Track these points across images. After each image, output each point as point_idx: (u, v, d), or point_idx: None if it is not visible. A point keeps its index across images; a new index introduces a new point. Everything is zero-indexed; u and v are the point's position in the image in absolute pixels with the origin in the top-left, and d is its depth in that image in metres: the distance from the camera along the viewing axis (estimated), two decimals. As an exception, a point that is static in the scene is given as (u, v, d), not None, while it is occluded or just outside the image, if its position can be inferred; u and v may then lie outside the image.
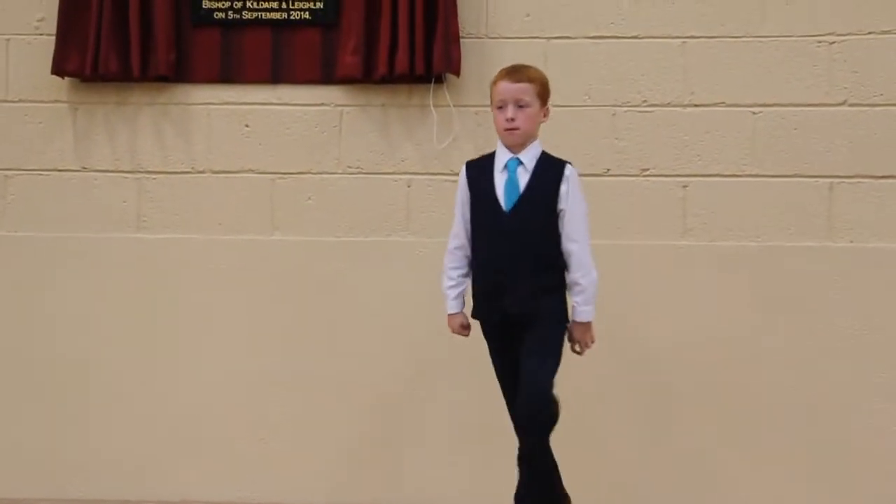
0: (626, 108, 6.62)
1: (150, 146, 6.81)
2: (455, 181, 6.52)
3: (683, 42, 6.59)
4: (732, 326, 6.53)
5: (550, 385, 5.12)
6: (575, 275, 5.20)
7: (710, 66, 6.57)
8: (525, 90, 5.22)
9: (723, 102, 6.56)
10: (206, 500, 6.54)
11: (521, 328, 5.19)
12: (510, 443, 5.45)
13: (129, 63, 6.71)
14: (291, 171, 6.74)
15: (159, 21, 6.71)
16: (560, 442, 5.41)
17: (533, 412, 5.09)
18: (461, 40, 6.66)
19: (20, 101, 6.83)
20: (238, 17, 6.78)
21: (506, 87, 5.23)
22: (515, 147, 5.25)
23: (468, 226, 5.33)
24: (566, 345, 5.36)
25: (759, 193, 6.55)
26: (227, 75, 6.76)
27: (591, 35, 6.66)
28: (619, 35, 6.65)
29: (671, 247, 6.58)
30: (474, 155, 6.34)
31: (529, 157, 5.23)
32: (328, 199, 6.72)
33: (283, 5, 6.76)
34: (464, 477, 6.50)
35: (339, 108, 6.74)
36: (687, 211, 6.53)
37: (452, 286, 5.39)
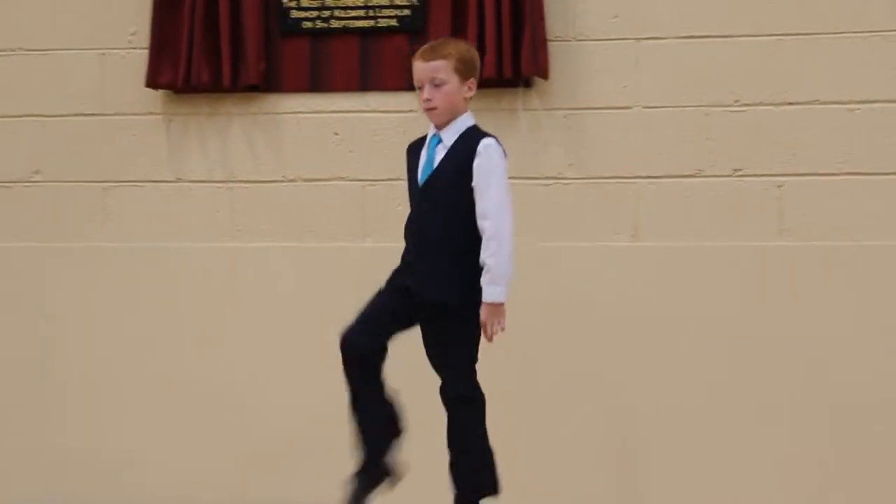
0: (718, 108, 5.76)
1: (242, 155, 6.10)
2: (545, 185, 5.75)
3: (777, 39, 5.70)
4: (832, 327, 5.70)
5: (469, 381, 4.55)
6: (484, 254, 4.43)
7: (804, 64, 5.73)
8: (438, 68, 4.52)
9: (818, 100, 5.67)
10: None
11: (425, 310, 4.53)
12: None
13: (221, 74, 6.03)
14: (381, 177, 5.96)
15: (249, 32, 5.99)
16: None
17: (454, 404, 4.57)
18: (549, 43, 5.87)
19: (115, 114, 6.17)
20: (326, 25, 6.00)
21: (419, 66, 4.56)
22: (440, 125, 4.57)
23: None
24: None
25: (858, 192, 5.71)
26: (317, 84, 6.00)
27: (682, 35, 5.81)
28: (711, 34, 5.75)
29: (767, 248, 5.73)
30: (564, 159, 5.82)
31: (451, 133, 4.54)
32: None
33: (371, 13, 6.02)
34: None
35: None
36: (783, 211, 5.55)
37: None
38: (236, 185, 6.09)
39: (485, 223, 4.43)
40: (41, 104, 6.17)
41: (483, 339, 4.52)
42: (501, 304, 4.43)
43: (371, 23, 6.04)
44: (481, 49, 5.83)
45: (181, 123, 6.13)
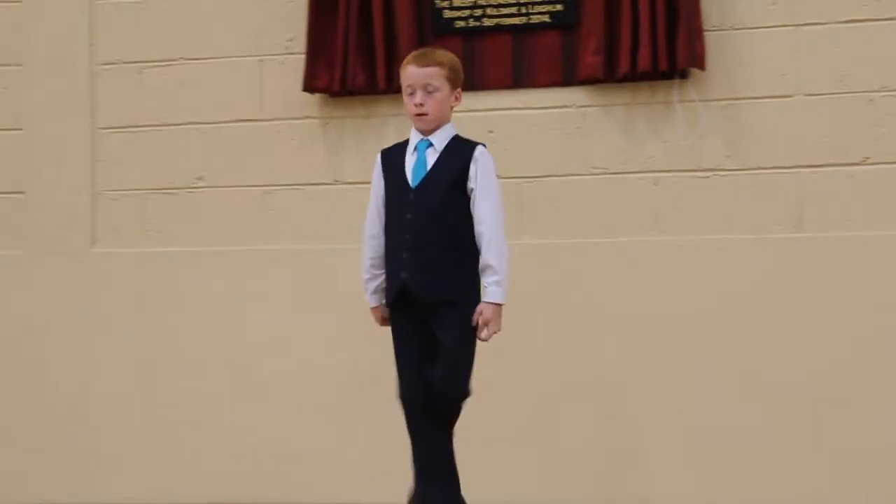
0: (884, 93, 5.01)
1: None
2: (704, 177, 5.12)
3: (948, 17, 4.82)
4: None
5: (465, 381, 4.12)
6: (486, 256, 4.11)
7: (974, 44, 4.76)
8: (432, 74, 4.20)
9: None
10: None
11: (425, 311, 4.14)
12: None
13: (375, 76, 5.51)
14: (536, 174, 5.38)
15: (402, 33, 5.43)
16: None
17: (440, 402, 4.11)
18: (705, 33, 5.18)
19: (274, 119, 5.65)
20: (478, 24, 5.40)
21: (413, 71, 4.23)
22: (427, 132, 4.24)
23: (382, 215, 4.28)
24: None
25: None
26: (470, 82, 5.38)
27: (844, 19, 5.08)
28: (875, 17, 5.01)
29: (940, 236, 4.86)
30: (723, 151, 5.17)
31: (440, 138, 4.23)
32: (573, 200, 5.23)
33: (523, 10, 5.43)
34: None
35: (582, 110, 5.28)
36: (958, 198, 4.76)
37: (368, 279, 4.33)
38: (393, 185, 5.46)
39: (482, 227, 4.13)
40: (202, 112, 5.68)
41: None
42: (502, 305, 4.12)
43: (523, 19, 5.41)
44: (635, 42, 5.20)
45: (338, 126, 5.56)
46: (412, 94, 4.22)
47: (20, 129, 5.76)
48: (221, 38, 5.66)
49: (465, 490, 4.21)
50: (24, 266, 5.74)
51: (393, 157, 4.29)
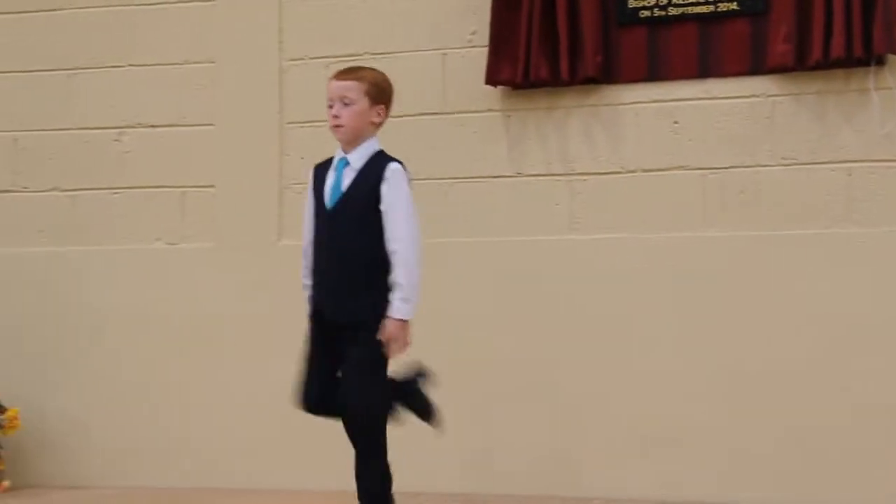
0: None
1: (581, 148, 5.43)
2: None
3: None
4: None
5: (371, 396, 4.03)
6: (395, 274, 4.01)
7: None
8: (350, 87, 4.12)
9: None
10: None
11: (341, 330, 4.08)
12: None
13: (559, 68, 5.37)
14: (723, 165, 5.16)
15: (587, 24, 5.30)
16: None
17: (354, 426, 4.08)
18: None
19: (457, 112, 5.56)
20: (664, 13, 5.24)
21: (332, 84, 4.16)
22: (346, 146, 4.14)
23: (311, 229, 4.22)
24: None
25: None
26: (655, 73, 5.23)
27: None
28: None
29: None
30: None
31: (358, 156, 4.12)
32: (762, 192, 5.02)
33: None
34: None
35: (771, 99, 5.06)
36: None
37: (305, 287, 4.24)
38: (575, 177, 5.39)
39: (394, 245, 4.03)
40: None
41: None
42: (407, 322, 4.01)
43: (710, 8, 5.21)
44: (828, 28, 4.93)
45: (520, 119, 5.46)
46: (331, 106, 4.14)
47: (212, 125, 5.83)
48: (405, 33, 5.61)
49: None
50: (215, 258, 5.79)
51: (319, 174, 4.20)
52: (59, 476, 5.75)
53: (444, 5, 5.56)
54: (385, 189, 4.07)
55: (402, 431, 4.19)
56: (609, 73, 5.32)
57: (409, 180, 4.13)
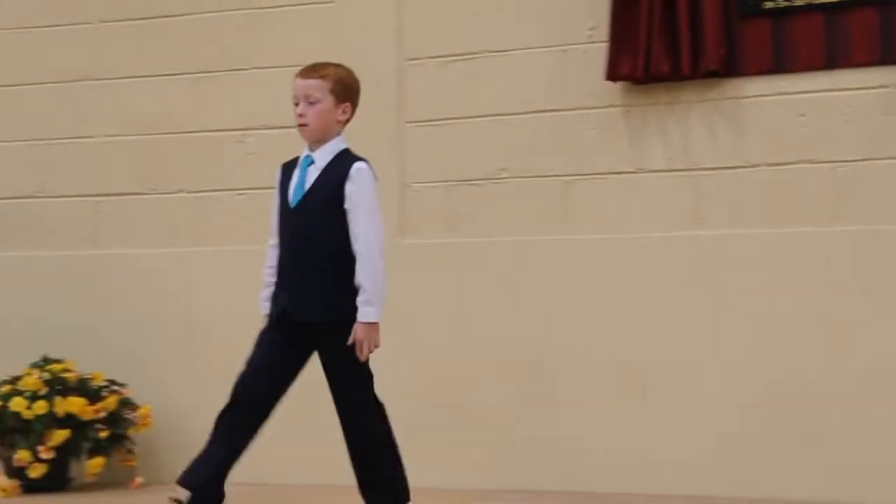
0: None
1: (703, 143, 5.31)
2: None
3: None
4: None
5: (367, 409, 4.09)
6: (358, 276, 3.99)
7: None
8: (315, 86, 4.09)
9: None
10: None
11: (301, 330, 4.07)
12: None
13: (680, 62, 5.26)
14: (853, 157, 5.03)
15: (708, 17, 5.19)
16: None
17: (360, 442, 4.11)
18: None
19: (576, 108, 5.49)
20: (789, 4, 5.08)
21: (297, 83, 4.13)
22: (312, 144, 4.13)
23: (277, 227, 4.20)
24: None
25: None
26: (780, 65, 5.11)
27: None
28: None
29: None
30: None
31: (323, 154, 4.10)
32: (894, 185, 4.73)
33: None
34: None
35: None
36: None
37: (265, 285, 4.19)
38: (698, 172, 5.28)
39: (357, 245, 3.99)
40: (505, 103, 5.56)
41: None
42: (376, 324, 3.99)
43: (838, -3, 5.02)
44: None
45: (640, 114, 5.38)
46: (297, 104, 4.11)
47: (333, 125, 5.85)
48: (524, 30, 5.54)
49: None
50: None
51: (286, 173, 4.17)
52: (189, 472, 5.84)
53: (563, 2, 5.48)
54: (349, 188, 4.03)
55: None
56: (731, 66, 5.19)
57: (375, 180, 4.10)
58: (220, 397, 5.81)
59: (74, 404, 5.58)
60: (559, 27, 5.49)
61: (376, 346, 4.04)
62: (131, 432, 5.75)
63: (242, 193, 5.96)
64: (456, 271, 5.60)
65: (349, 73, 4.21)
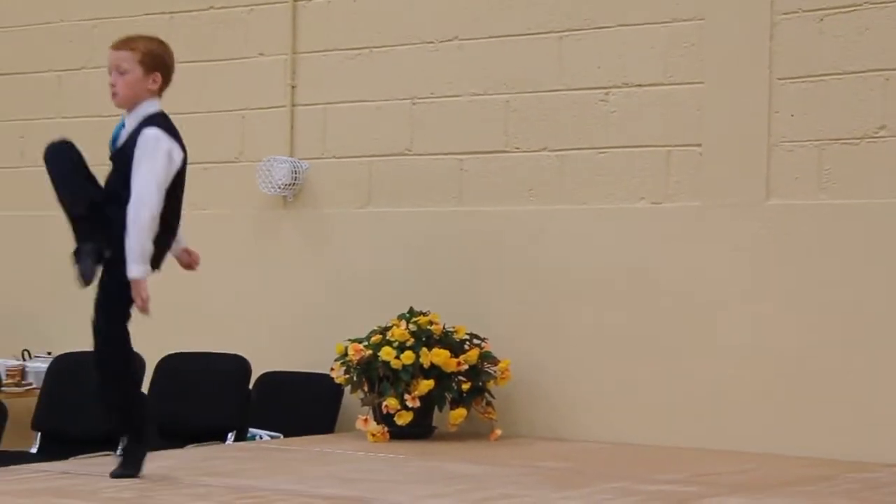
0: None
1: None
2: None
3: None
4: None
5: (111, 332, 4.46)
6: (127, 234, 4.38)
7: None
8: (123, 57, 4.47)
9: None
10: None
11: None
12: None
13: None
14: None
15: None
16: None
17: (99, 357, 4.50)
18: None
19: None
20: None
21: (110, 54, 4.51)
22: (126, 111, 4.53)
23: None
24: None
25: None
26: None
27: None
28: None
29: None
30: None
31: (133, 118, 4.49)
32: None
33: None
34: None
35: None
36: None
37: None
38: None
39: (129, 207, 4.35)
40: (886, 58, 5.19)
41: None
42: (142, 280, 4.35)
43: None
44: None
45: None
46: (110, 74, 4.47)
47: (701, 83, 5.69)
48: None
49: None
50: (700, 217, 5.66)
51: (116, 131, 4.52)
52: (546, 428, 5.87)
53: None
54: (136, 153, 4.38)
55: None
56: None
57: (166, 148, 4.39)
58: (582, 354, 5.84)
59: (439, 356, 5.71)
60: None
61: (145, 299, 4.36)
62: (491, 385, 5.84)
63: (603, 152, 5.91)
64: (822, 233, 5.35)
65: (160, 44, 4.55)
